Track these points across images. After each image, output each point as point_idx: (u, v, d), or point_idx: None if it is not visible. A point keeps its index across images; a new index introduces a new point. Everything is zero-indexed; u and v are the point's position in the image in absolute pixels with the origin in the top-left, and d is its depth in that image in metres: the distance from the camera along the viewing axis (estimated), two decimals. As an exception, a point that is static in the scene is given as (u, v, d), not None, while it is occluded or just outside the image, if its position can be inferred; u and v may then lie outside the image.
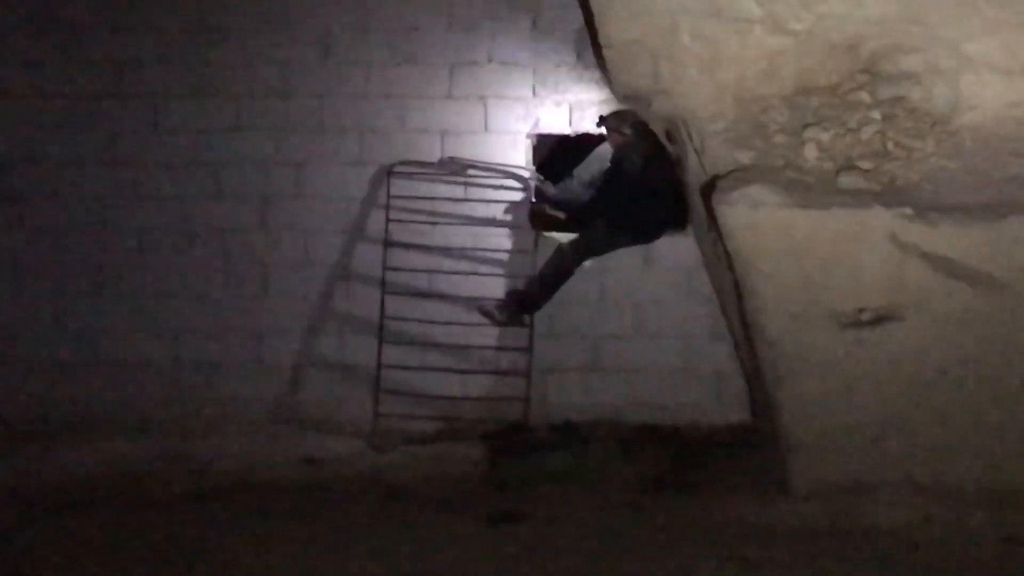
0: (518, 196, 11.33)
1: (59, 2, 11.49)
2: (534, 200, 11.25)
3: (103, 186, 11.48)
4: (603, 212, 10.70)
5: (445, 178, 11.31)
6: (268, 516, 8.49)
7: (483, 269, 11.29)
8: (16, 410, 11.25)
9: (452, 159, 11.31)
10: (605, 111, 10.94)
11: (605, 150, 11.00)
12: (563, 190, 11.03)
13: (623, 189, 10.61)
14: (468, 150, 11.39)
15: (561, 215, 11.15)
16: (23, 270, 11.51)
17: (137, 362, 11.48)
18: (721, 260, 9.40)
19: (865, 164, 8.91)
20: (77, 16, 11.46)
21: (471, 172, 11.31)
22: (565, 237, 11.00)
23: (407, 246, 11.22)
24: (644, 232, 10.88)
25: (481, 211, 11.28)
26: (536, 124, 11.39)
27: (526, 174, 11.30)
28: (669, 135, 10.33)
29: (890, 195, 8.69)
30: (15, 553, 7.75)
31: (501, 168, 11.30)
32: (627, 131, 10.64)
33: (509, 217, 11.30)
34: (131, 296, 11.49)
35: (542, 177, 11.23)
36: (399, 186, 11.24)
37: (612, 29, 9.48)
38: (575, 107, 11.33)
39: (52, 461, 10.07)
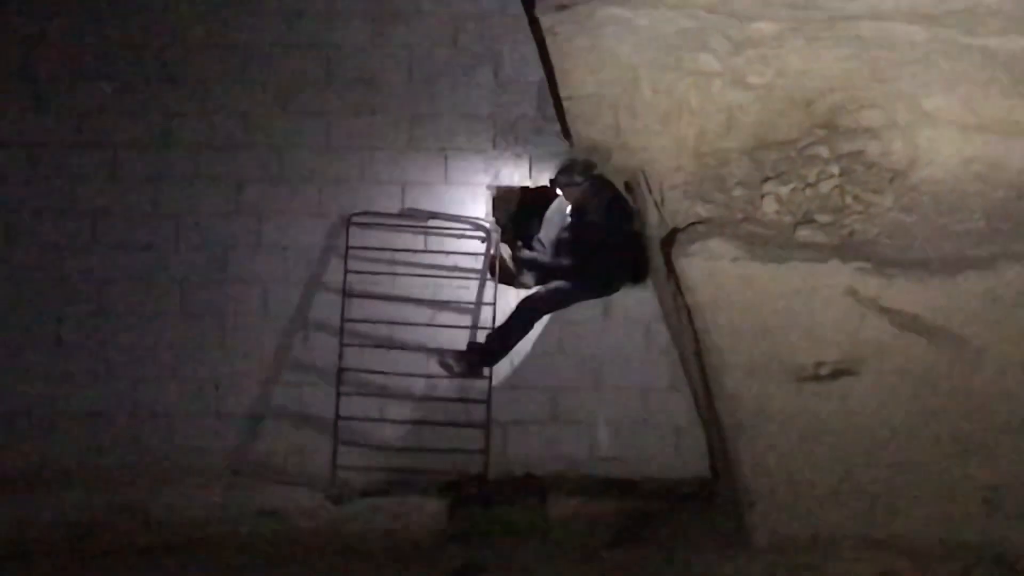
0: (479, 247, 11.31)
1: (20, 51, 11.45)
2: (514, 266, 11.25)
3: (62, 235, 11.41)
4: (569, 267, 10.71)
5: (405, 229, 11.28)
6: (226, 571, 8.42)
7: (443, 320, 11.25)
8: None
9: (412, 210, 11.29)
10: (563, 165, 10.95)
11: (559, 206, 11.02)
12: (538, 256, 11.07)
13: (586, 241, 10.61)
14: (428, 201, 11.36)
15: (531, 281, 11.16)
16: (-20, 319, 11.44)
17: (93, 411, 11.37)
18: (680, 312, 9.43)
19: (824, 218, 8.96)
20: (38, 64, 11.42)
21: (431, 223, 11.28)
22: (524, 289, 11.01)
23: (366, 296, 11.19)
24: (608, 284, 10.88)
25: (441, 262, 11.25)
26: (496, 176, 11.39)
27: (488, 225, 11.29)
28: (628, 187, 10.36)
29: (848, 249, 8.74)
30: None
31: (463, 219, 11.28)
32: (579, 180, 10.64)
33: (470, 268, 11.25)
34: (88, 345, 11.40)
35: (520, 244, 11.21)
36: (358, 237, 11.21)
37: (572, 82, 9.53)
38: (536, 159, 11.32)
39: (4, 511, 9.98)
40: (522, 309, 10.73)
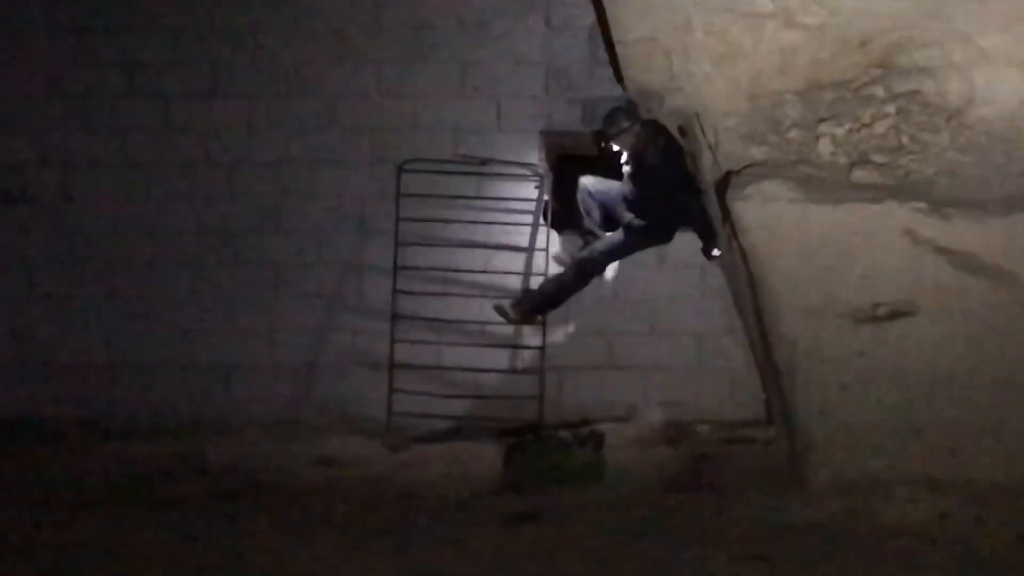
0: (531, 192, 11.28)
1: (71, 4, 11.48)
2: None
3: (115, 187, 11.48)
4: (635, 215, 10.63)
5: (457, 175, 11.25)
6: (284, 519, 8.45)
7: (496, 264, 11.24)
8: (30, 412, 11.23)
9: (465, 155, 11.26)
10: (607, 115, 10.83)
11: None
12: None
13: (651, 187, 10.53)
14: (480, 147, 11.36)
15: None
16: (36, 271, 11.49)
17: (150, 364, 11.46)
18: (736, 256, 9.36)
19: (879, 158, 8.88)
20: (88, 17, 11.47)
21: (483, 168, 11.25)
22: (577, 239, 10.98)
23: (419, 244, 11.18)
24: (671, 231, 10.80)
25: (493, 207, 11.22)
26: (549, 121, 11.34)
27: (541, 170, 11.24)
28: (682, 131, 10.29)
29: (905, 190, 8.66)
30: (33, 552, 7.73)
31: (516, 164, 11.24)
32: (627, 125, 10.55)
33: (523, 211, 11.21)
34: (143, 297, 11.49)
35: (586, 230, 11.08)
36: (410, 183, 11.20)
37: (625, 25, 9.44)
38: (588, 104, 11.27)
39: (66, 463, 10.05)
40: (583, 264, 10.67)
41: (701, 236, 10.75)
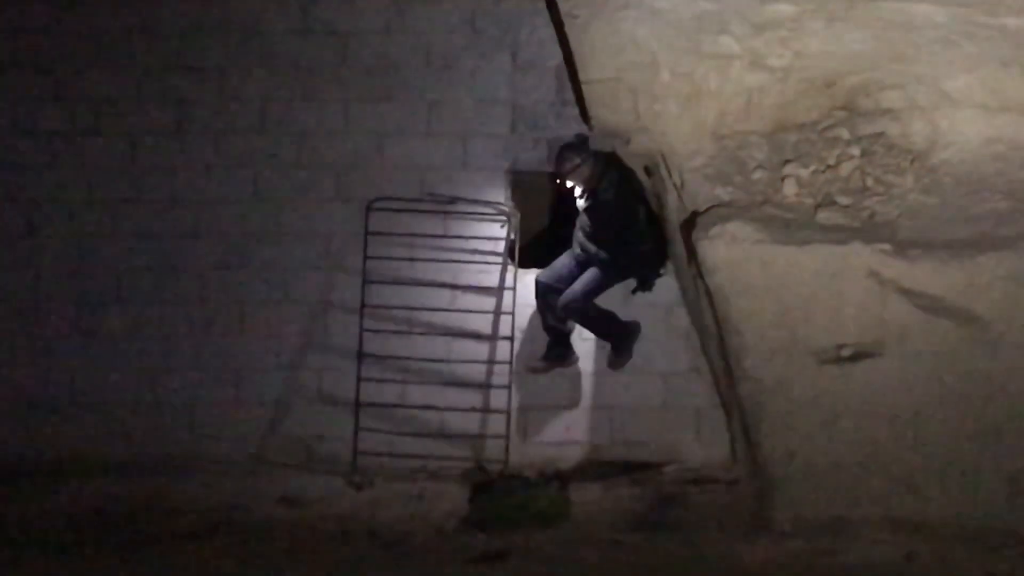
0: (499, 232, 11.29)
1: (38, 41, 11.46)
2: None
3: (81, 224, 11.42)
4: (597, 248, 10.62)
5: (424, 214, 11.26)
6: (251, 558, 8.43)
7: (463, 304, 11.23)
8: (-5, 451, 11.18)
9: (433, 194, 11.26)
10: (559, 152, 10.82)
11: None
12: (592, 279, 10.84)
13: (606, 222, 10.54)
14: (447, 186, 11.35)
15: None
16: (1, 308, 11.43)
17: (116, 401, 11.38)
18: (701, 296, 9.40)
19: (844, 200, 8.95)
20: (56, 54, 11.43)
21: (451, 207, 11.26)
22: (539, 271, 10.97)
23: (386, 282, 11.17)
24: (639, 262, 10.77)
25: (461, 246, 11.22)
26: (515, 161, 11.36)
27: (507, 209, 11.24)
28: (648, 171, 10.33)
29: (869, 231, 8.72)
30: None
31: (484, 204, 11.24)
32: (579, 160, 10.54)
33: (490, 252, 11.21)
34: (109, 335, 11.42)
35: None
36: (378, 222, 11.20)
37: (591, 65, 9.50)
38: (554, 143, 11.28)
39: (31, 502, 9.98)
40: (569, 310, 10.59)
41: (641, 271, 10.81)
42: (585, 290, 10.58)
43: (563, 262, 10.86)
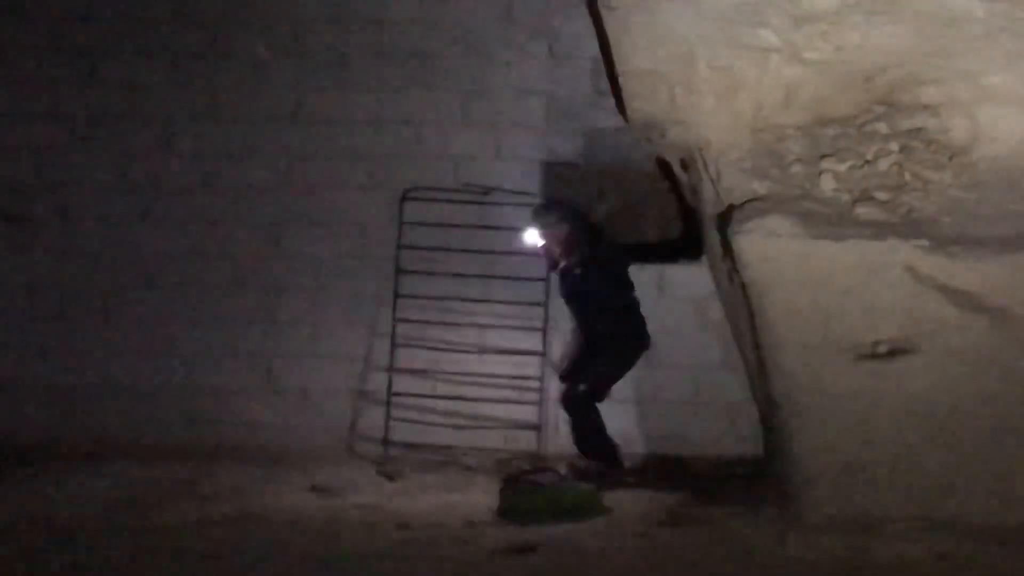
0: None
1: (72, 26, 11.49)
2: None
3: (114, 210, 11.45)
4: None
5: (458, 203, 11.23)
6: (281, 547, 8.42)
7: (496, 295, 11.19)
8: (26, 437, 11.17)
9: (469, 184, 11.23)
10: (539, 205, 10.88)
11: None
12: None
13: (571, 288, 10.58)
14: (481, 176, 11.33)
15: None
16: (33, 294, 11.46)
17: (147, 387, 11.42)
18: (736, 290, 9.35)
19: (882, 195, 8.88)
20: (90, 40, 11.45)
21: (485, 198, 11.23)
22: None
23: (419, 272, 11.15)
24: (622, 343, 10.66)
25: (495, 237, 11.17)
26: (550, 152, 11.31)
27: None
28: (684, 164, 10.29)
29: (907, 227, 8.65)
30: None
31: (520, 194, 11.19)
32: (553, 220, 10.55)
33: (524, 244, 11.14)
34: (142, 321, 11.45)
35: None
36: (412, 212, 11.18)
37: (628, 57, 9.47)
38: (589, 135, 11.25)
39: (63, 488, 10.00)
40: (586, 400, 10.49)
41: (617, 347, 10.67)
42: (597, 379, 10.50)
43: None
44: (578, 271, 10.46)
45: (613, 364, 10.51)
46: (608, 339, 10.48)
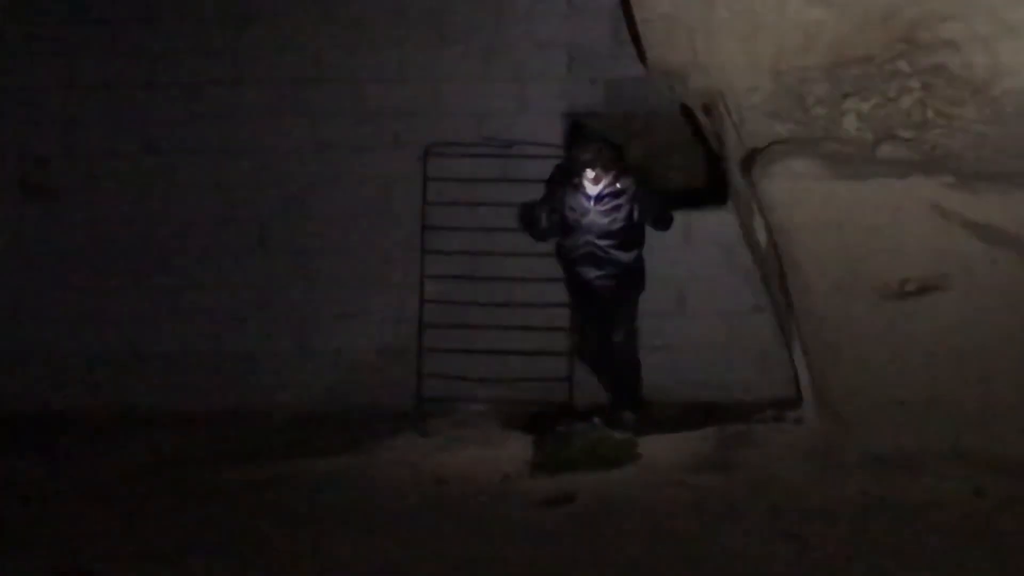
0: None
1: (91, -6, 11.52)
2: None
3: (140, 176, 11.49)
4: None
5: (482, 158, 11.23)
6: (319, 505, 8.49)
7: (522, 248, 11.19)
8: (60, 404, 11.25)
9: (491, 138, 11.23)
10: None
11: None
12: None
13: (647, 203, 10.37)
14: (504, 130, 11.32)
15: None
16: (64, 264, 11.50)
17: (178, 352, 11.47)
18: (762, 233, 9.35)
19: (905, 133, 8.85)
20: (110, 8, 11.46)
21: (508, 151, 11.22)
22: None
23: (445, 227, 11.17)
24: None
25: (520, 190, 11.17)
26: (572, 103, 11.30)
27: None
28: (706, 109, 10.27)
29: (931, 164, 8.64)
30: (67, 542, 7.80)
31: (543, 146, 11.17)
32: (599, 144, 10.30)
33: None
34: (170, 286, 11.49)
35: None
36: (435, 168, 11.19)
37: (648, 3, 9.45)
38: (611, 84, 11.24)
39: (96, 454, 10.08)
40: (622, 357, 10.51)
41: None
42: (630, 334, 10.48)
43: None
44: (630, 191, 10.19)
45: (635, 306, 10.51)
46: (630, 274, 10.43)
